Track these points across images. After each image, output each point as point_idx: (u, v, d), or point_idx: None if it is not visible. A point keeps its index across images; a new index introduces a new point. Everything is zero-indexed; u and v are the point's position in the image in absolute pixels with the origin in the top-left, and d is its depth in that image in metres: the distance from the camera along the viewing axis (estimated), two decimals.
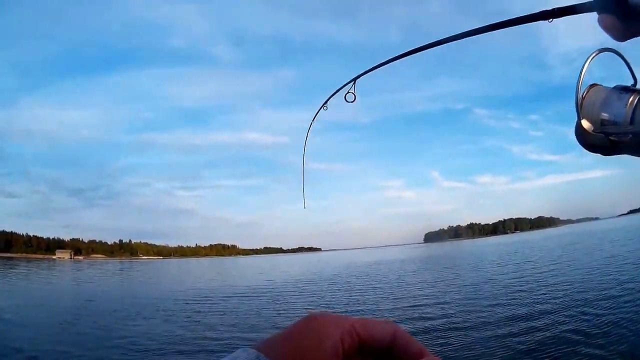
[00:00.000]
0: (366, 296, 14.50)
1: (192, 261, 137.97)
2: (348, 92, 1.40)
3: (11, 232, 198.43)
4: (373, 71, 1.31)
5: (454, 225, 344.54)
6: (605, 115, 0.43)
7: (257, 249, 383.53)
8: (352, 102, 1.38)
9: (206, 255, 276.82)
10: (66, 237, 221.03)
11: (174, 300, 16.24)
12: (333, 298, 14.84)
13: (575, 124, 0.46)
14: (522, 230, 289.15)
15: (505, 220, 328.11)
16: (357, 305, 12.40)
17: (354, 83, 1.41)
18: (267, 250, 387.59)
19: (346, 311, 11.68)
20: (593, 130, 0.45)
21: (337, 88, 1.51)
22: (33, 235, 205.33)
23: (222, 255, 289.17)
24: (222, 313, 12.87)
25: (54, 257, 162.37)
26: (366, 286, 18.43)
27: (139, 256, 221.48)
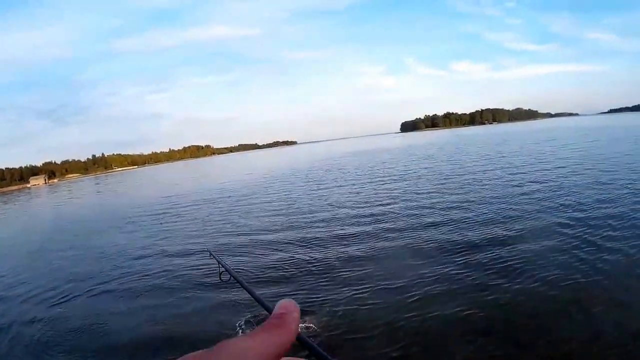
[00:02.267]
0: (329, 197, 13.54)
1: (164, 167, 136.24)
2: (223, 272, 1.52)
3: None
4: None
5: (430, 115, 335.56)
6: None
7: (231, 147, 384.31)
8: (227, 280, 1.49)
9: (180, 158, 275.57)
10: (39, 163, 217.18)
11: (142, 210, 16.44)
12: (299, 197, 13.84)
13: None
14: (500, 121, 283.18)
15: (482, 110, 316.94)
16: (320, 208, 11.63)
17: (219, 267, 1.55)
18: (242, 147, 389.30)
19: (308, 212, 10.79)
20: None
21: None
22: (6, 168, 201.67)
23: (197, 156, 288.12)
24: (187, 220, 12.90)
25: (28, 185, 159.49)
26: (331, 183, 17.64)
27: (113, 169, 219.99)
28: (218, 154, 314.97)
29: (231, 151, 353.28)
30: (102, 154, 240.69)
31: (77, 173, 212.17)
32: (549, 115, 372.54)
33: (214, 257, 1.68)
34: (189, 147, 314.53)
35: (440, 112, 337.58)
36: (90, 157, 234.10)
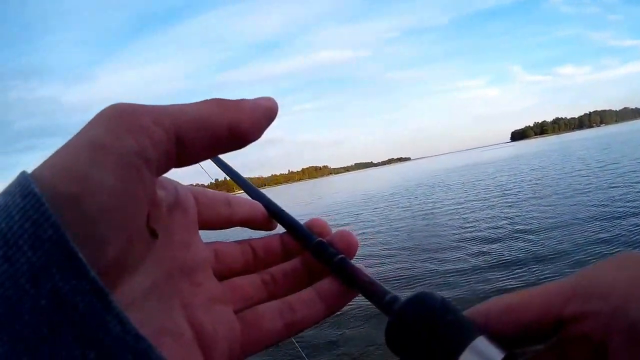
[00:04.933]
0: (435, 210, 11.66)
1: (282, 187, 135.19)
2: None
3: None
4: None
5: (539, 121, 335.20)
6: None
7: (348, 167, 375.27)
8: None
9: (299, 179, 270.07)
10: None
11: None
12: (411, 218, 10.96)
13: None
14: (607, 123, 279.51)
15: (590, 113, 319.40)
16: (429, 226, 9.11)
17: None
18: (358, 166, 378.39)
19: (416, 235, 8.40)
20: None
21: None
22: None
23: (315, 177, 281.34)
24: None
25: None
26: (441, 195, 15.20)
27: (234, 191, 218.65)
28: (335, 173, 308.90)
29: (347, 170, 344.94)
30: (225, 178, 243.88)
31: None
32: None
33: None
34: (307, 168, 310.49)
35: (549, 118, 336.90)
36: (212, 182, 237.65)
